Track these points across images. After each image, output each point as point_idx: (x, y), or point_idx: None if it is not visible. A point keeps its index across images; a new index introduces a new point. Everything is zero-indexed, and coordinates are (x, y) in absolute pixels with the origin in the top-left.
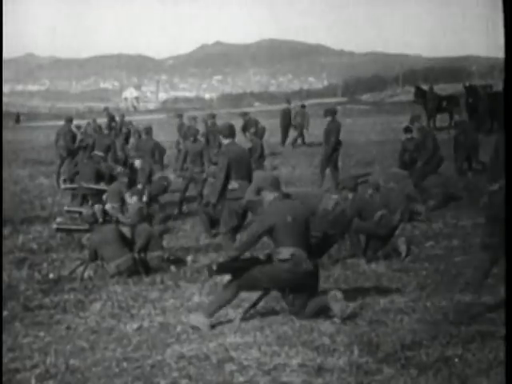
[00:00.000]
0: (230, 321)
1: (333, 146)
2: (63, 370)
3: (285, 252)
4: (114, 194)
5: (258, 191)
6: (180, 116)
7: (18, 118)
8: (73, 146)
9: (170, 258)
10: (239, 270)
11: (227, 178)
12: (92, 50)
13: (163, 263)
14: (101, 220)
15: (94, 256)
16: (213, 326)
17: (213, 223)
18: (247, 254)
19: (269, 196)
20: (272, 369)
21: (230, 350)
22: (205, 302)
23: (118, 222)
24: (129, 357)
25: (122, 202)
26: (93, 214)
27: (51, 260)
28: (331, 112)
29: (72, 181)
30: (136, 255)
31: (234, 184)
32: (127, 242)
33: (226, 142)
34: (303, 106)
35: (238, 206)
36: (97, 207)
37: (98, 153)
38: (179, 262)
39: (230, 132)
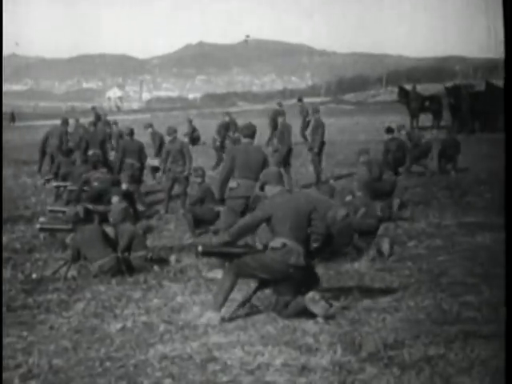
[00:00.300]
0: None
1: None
2: (46, 370)
3: (277, 241)
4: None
5: (262, 186)
6: (150, 126)
7: (13, 118)
8: (66, 147)
9: (154, 258)
10: (229, 255)
11: (229, 177)
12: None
13: (146, 263)
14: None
15: (77, 256)
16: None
17: (197, 223)
18: (241, 243)
19: (273, 190)
20: (255, 368)
21: (213, 350)
22: (188, 302)
23: (102, 221)
24: (112, 356)
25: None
26: (76, 214)
27: (34, 260)
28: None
29: (64, 179)
30: (119, 255)
31: (233, 183)
32: (111, 242)
33: (244, 141)
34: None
35: (236, 205)
36: (79, 207)
37: (96, 151)
38: (162, 261)
39: (249, 133)
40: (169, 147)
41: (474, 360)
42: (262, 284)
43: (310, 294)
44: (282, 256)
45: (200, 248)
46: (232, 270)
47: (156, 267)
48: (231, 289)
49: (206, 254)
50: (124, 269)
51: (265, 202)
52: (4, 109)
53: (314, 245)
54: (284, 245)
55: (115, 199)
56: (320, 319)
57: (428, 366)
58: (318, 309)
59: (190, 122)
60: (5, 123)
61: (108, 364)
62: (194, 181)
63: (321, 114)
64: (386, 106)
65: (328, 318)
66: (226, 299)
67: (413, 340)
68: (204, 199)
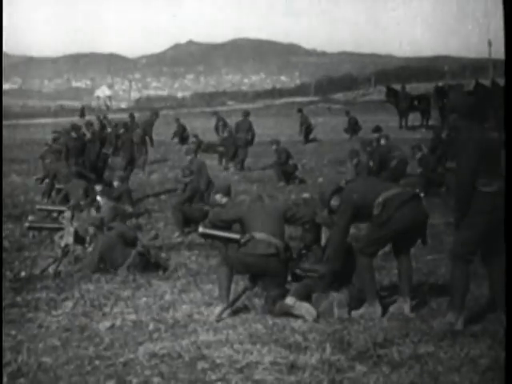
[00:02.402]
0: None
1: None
2: (35, 369)
3: (247, 236)
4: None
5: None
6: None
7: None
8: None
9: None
10: (227, 239)
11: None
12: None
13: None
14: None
15: (97, 264)
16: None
17: (187, 221)
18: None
19: (221, 199)
20: (244, 367)
21: (202, 348)
22: (177, 300)
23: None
24: (101, 355)
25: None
26: (101, 219)
27: (23, 258)
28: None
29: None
30: (140, 249)
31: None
32: (128, 242)
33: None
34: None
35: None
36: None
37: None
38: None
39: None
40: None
41: (463, 358)
42: (251, 283)
43: (288, 300)
44: (250, 248)
45: (201, 228)
46: (223, 262)
47: (174, 264)
48: (229, 280)
49: (205, 235)
50: (149, 258)
51: (234, 206)
52: None
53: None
54: (251, 237)
55: (103, 200)
56: (309, 318)
57: (417, 365)
58: (303, 312)
59: (178, 121)
60: None
61: (97, 362)
62: (183, 180)
63: (309, 114)
64: (375, 105)
65: (318, 317)
66: (228, 289)
67: (402, 338)
68: (193, 198)
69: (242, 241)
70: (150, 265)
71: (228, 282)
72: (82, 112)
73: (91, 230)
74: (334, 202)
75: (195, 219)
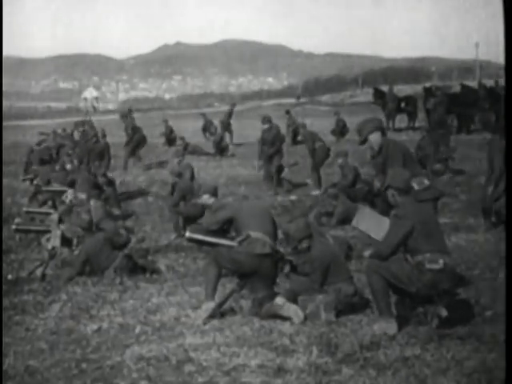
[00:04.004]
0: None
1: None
2: (22, 371)
3: (243, 234)
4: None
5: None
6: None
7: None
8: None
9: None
10: (213, 244)
11: None
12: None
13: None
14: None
15: (83, 268)
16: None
17: (186, 220)
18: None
19: (208, 199)
20: (231, 369)
21: (189, 351)
22: (164, 303)
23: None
24: (88, 358)
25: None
26: (89, 221)
27: (10, 261)
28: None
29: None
30: (126, 251)
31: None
32: (114, 245)
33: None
34: None
35: None
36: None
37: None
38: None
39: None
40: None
41: (449, 361)
42: (239, 284)
43: (276, 300)
44: (246, 247)
45: (187, 234)
46: (212, 260)
47: (162, 266)
48: (217, 278)
49: (192, 240)
50: (139, 264)
51: (225, 205)
52: None
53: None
54: (248, 236)
55: (92, 202)
56: (296, 320)
57: (404, 367)
58: (290, 313)
59: (167, 122)
60: None
61: (84, 365)
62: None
63: (297, 115)
64: (362, 106)
65: (305, 319)
66: (215, 288)
67: (389, 341)
68: (185, 196)
69: (238, 240)
70: (137, 267)
71: (216, 281)
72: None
73: (79, 232)
74: (375, 137)
75: (194, 216)
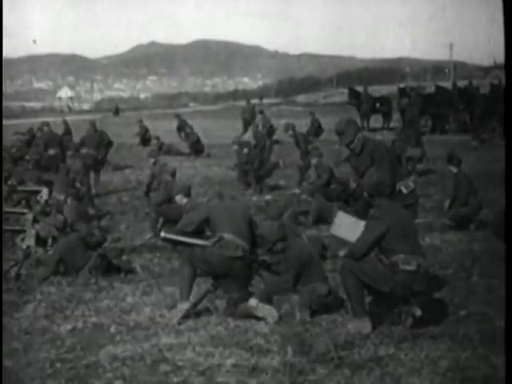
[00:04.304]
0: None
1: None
2: None
3: (217, 235)
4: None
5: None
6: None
7: None
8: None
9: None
10: (188, 244)
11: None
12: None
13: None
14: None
15: (57, 268)
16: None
17: (166, 222)
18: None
19: (182, 199)
20: (206, 369)
21: (164, 351)
22: (139, 303)
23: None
24: (62, 358)
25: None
26: (64, 222)
27: None
28: None
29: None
30: (101, 251)
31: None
32: (89, 245)
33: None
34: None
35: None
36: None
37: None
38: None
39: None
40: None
41: (423, 360)
42: (213, 285)
43: (251, 302)
44: (218, 249)
45: (162, 233)
46: (187, 260)
47: (138, 266)
48: (191, 278)
49: (167, 240)
50: (114, 263)
51: (200, 206)
52: None
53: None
54: (221, 238)
55: (68, 200)
56: (271, 320)
57: (378, 367)
58: (264, 313)
59: (141, 122)
60: None
61: (58, 365)
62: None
63: (271, 115)
64: (337, 107)
65: (280, 319)
66: (189, 289)
67: (363, 340)
68: (171, 199)
69: (211, 241)
70: (111, 267)
71: (190, 281)
72: (117, 110)
73: (54, 231)
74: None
75: (173, 219)
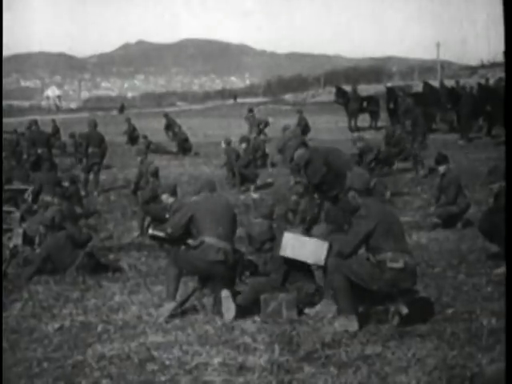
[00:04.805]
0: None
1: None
2: None
3: (197, 240)
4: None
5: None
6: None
7: None
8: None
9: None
10: (175, 242)
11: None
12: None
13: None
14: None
15: (44, 264)
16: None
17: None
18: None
19: (168, 199)
20: (193, 368)
21: (151, 350)
22: (127, 302)
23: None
24: (50, 357)
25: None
26: (51, 219)
27: None
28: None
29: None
30: (88, 249)
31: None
32: (77, 244)
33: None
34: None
35: None
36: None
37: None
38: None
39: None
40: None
41: (410, 358)
42: (200, 284)
43: (223, 292)
44: (200, 253)
45: (150, 231)
46: (172, 260)
47: (126, 265)
48: (177, 278)
49: (154, 237)
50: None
51: (187, 203)
52: None
53: None
54: (202, 242)
55: (55, 200)
56: (257, 318)
57: (365, 365)
58: (225, 306)
59: (129, 121)
60: None
61: (46, 364)
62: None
63: (259, 114)
64: (324, 106)
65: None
66: (176, 288)
67: (350, 339)
68: (157, 197)
69: (193, 244)
70: (99, 266)
71: (176, 281)
72: (122, 108)
73: (41, 229)
74: (297, 157)
75: (159, 218)
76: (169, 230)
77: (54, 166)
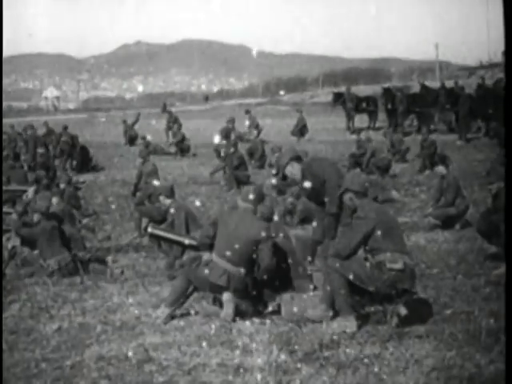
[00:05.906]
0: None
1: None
2: None
3: (208, 255)
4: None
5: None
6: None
7: None
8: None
9: (91, 259)
10: (174, 242)
11: None
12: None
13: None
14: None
15: (28, 244)
16: (172, 318)
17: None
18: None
19: (165, 200)
20: (191, 369)
21: (149, 350)
22: (125, 302)
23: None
24: (48, 357)
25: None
26: (47, 207)
27: None
28: None
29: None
30: (77, 253)
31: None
32: (66, 243)
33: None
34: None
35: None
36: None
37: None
38: (100, 262)
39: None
40: None
41: (408, 359)
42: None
43: (225, 295)
44: (205, 272)
45: (149, 229)
46: (184, 273)
47: (117, 270)
48: (182, 290)
49: (154, 235)
50: (80, 267)
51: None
52: None
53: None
54: (210, 260)
55: (54, 200)
56: (256, 319)
57: (363, 366)
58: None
59: (126, 122)
60: None
61: (44, 365)
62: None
63: (257, 115)
64: (323, 107)
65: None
66: (177, 299)
67: (348, 340)
68: (150, 197)
69: (205, 261)
70: (96, 267)
71: (180, 294)
72: (165, 107)
73: (36, 217)
74: (290, 169)
75: (156, 219)
76: (199, 240)
77: (50, 167)
